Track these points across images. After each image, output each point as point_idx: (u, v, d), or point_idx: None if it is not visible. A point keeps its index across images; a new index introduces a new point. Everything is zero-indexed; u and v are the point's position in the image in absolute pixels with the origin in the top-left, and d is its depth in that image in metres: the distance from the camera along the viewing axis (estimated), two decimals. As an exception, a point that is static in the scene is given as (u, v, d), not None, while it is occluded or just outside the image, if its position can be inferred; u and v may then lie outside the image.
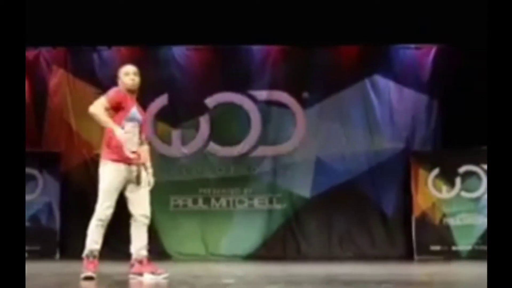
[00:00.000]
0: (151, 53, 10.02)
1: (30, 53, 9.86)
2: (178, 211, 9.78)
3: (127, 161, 4.86)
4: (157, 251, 9.32)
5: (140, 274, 4.94)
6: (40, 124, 9.79)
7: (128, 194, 4.98)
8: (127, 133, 4.80)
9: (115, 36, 9.54)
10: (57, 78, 9.89)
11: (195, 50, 10.12)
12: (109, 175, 4.82)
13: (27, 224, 9.18)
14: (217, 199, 9.82)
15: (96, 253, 4.89)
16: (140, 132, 5.02)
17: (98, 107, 4.78)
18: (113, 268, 6.11)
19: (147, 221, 5.01)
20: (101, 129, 9.82)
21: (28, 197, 9.23)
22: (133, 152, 4.84)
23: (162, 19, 9.26)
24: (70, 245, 9.35)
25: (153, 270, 4.97)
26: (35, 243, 9.12)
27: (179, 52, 10.09)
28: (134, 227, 5.02)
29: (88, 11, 9.12)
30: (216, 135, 9.93)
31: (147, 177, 5.05)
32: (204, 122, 9.94)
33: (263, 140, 9.91)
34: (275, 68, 10.03)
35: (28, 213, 9.21)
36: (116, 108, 4.85)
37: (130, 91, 4.99)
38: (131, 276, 4.97)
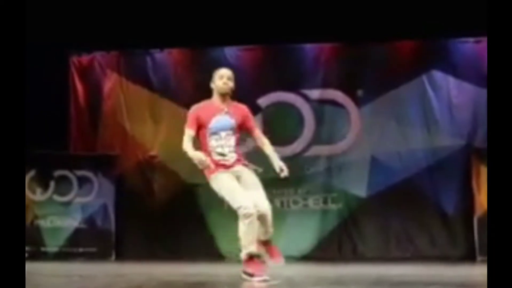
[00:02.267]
0: (202, 54, 10.04)
1: (84, 58, 10.09)
2: (232, 211, 9.65)
3: (223, 168, 4.73)
4: (213, 252, 9.38)
5: (247, 274, 4.64)
6: (95, 128, 9.96)
7: None
8: (214, 148, 4.73)
9: (166, 38, 9.60)
10: (111, 82, 10.03)
11: (247, 50, 10.07)
12: (218, 184, 4.73)
13: (83, 226, 9.38)
14: (271, 200, 9.59)
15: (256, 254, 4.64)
16: (237, 136, 4.83)
17: (185, 143, 4.71)
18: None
19: (254, 212, 4.65)
20: (155, 131, 10.00)
21: (84, 199, 9.43)
22: (222, 155, 4.73)
23: (213, 20, 9.25)
24: (125, 246, 9.49)
25: (253, 272, 4.61)
26: (91, 244, 9.29)
27: (231, 52, 10.05)
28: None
29: (139, 15, 9.21)
30: (269, 135, 9.74)
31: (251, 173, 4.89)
32: (257, 122, 9.81)
33: (316, 139, 9.75)
34: (328, 66, 9.87)
35: (84, 215, 9.40)
36: (199, 126, 4.76)
37: (221, 94, 4.85)
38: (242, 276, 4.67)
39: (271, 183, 9.48)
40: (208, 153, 4.70)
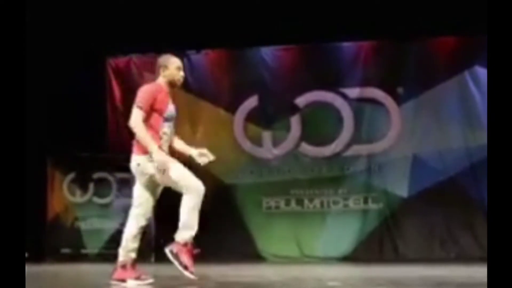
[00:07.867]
0: (239, 55, 10.01)
1: (121, 61, 10.15)
2: (271, 212, 9.66)
3: None
4: (251, 253, 9.33)
5: (123, 281, 4.48)
6: (135, 130, 9.96)
7: None
8: (165, 135, 4.59)
9: (203, 40, 9.57)
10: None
11: (284, 50, 9.99)
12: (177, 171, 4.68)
13: (123, 227, 9.30)
14: (311, 200, 9.61)
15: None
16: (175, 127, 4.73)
17: (139, 123, 4.42)
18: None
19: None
20: (193, 132, 9.96)
21: (123, 201, 9.41)
22: (167, 142, 4.73)
23: (249, 21, 9.18)
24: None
25: (138, 276, 4.53)
26: (131, 246, 9.26)
27: (268, 53, 9.99)
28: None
29: (175, 16, 9.20)
30: (308, 135, 9.73)
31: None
32: (295, 122, 9.75)
33: (356, 138, 9.61)
34: (367, 64, 9.72)
35: (124, 216, 9.37)
36: (153, 110, 4.48)
37: (173, 86, 4.66)
38: (113, 282, 4.49)
39: (311, 183, 9.58)
40: (159, 138, 4.53)
